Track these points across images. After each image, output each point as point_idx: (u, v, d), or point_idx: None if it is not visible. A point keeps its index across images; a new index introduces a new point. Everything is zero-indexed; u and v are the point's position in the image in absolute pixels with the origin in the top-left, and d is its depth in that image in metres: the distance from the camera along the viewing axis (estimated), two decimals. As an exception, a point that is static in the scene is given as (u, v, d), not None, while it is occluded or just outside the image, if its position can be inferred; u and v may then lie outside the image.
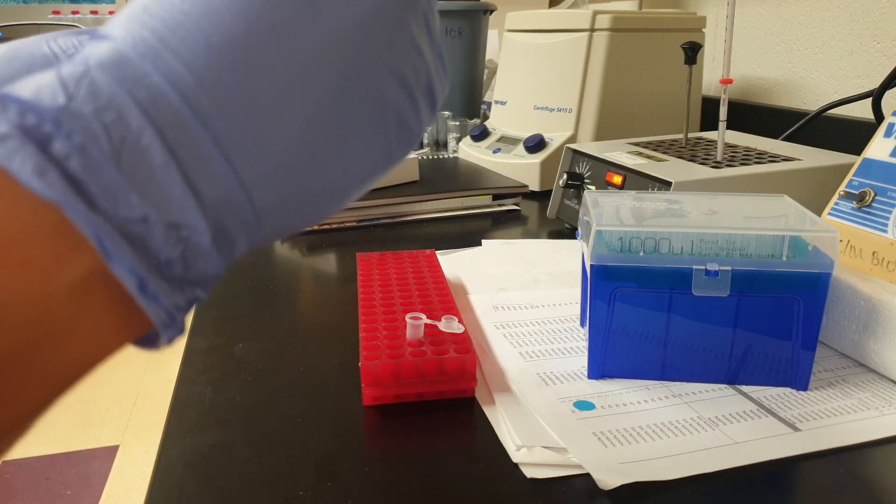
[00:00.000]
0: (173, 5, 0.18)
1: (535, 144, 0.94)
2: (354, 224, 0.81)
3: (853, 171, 0.55)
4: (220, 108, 0.18)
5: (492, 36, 1.49)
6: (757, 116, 1.06)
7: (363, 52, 0.20)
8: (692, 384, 0.46)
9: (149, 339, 0.19)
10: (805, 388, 0.45)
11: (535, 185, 0.93)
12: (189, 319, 0.55)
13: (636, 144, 0.80)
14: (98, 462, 1.76)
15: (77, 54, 0.18)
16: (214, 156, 0.18)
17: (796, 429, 0.41)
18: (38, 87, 0.17)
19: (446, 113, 1.21)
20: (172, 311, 0.18)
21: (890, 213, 0.51)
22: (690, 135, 0.83)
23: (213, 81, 0.18)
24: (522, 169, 0.94)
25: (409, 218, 0.83)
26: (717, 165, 0.68)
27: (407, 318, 0.46)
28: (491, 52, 1.47)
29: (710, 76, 1.16)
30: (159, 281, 0.18)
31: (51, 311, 0.16)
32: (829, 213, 0.56)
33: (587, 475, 0.36)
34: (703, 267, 0.43)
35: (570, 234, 0.78)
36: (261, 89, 0.18)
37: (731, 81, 0.65)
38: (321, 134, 0.20)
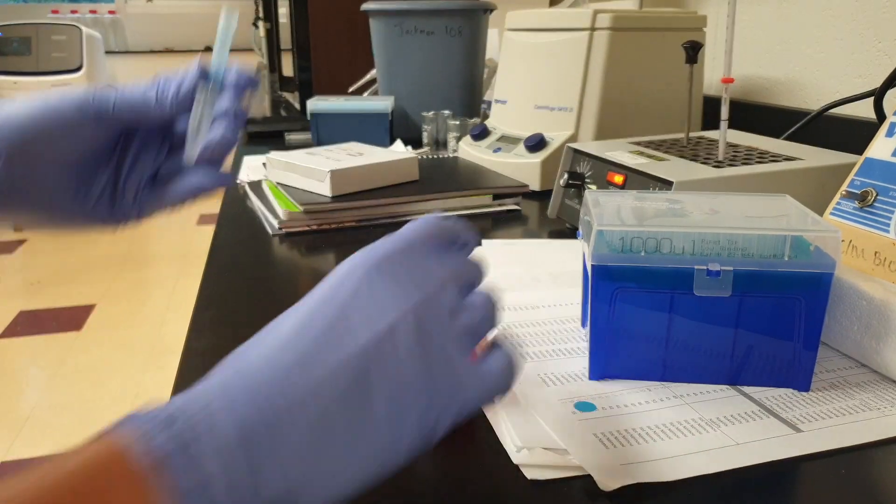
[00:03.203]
0: (237, 371, 0.28)
1: (536, 144, 0.94)
2: (354, 224, 0.81)
3: (855, 170, 0.55)
4: (250, 436, 0.26)
5: (492, 35, 1.49)
6: (758, 116, 1.05)
7: (358, 380, 0.28)
8: (693, 385, 0.45)
9: None
10: (807, 389, 0.45)
11: (535, 185, 0.93)
12: (188, 320, 0.55)
13: (637, 144, 0.79)
14: (98, 462, 1.75)
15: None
16: (241, 462, 0.25)
17: (798, 430, 0.40)
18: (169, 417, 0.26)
19: (446, 112, 1.21)
20: None
21: (892, 213, 0.51)
22: (692, 134, 0.83)
23: (247, 411, 0.26)
24: (523, 168, 0.94)
25: (409, 218, 0.83)
26: (718, 165, 0.68)
27: (407, 318, 0.45)
28: (491, 51, 1.47)
29: (712, 75, 1.16)
30: None
31: None
32: (831, 213, 0.56)
33: (588, 476, 0.36)
34: (705, 267, 0.43)
35: (571, 234, 0.78)
36: (281, 416, 0.26)
37: (732, 80, 0.64)
38: (326, 435, 0.27)
